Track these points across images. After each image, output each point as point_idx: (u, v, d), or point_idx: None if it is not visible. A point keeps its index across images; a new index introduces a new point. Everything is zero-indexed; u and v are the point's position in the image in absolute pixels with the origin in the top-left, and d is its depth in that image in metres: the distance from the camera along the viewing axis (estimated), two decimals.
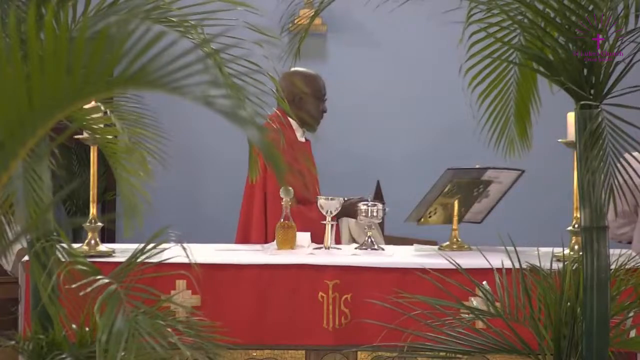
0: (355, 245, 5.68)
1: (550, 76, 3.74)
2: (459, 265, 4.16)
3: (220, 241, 5.75)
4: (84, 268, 3.67)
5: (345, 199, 5.76)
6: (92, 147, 5.22)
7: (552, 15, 3.63)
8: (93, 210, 5.33)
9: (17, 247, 5.00)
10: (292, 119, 5.97)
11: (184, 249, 3.81)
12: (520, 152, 4.49)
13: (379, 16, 7.04)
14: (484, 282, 4.10)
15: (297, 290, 5.22)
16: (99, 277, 3.60)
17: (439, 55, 6.69)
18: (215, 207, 7.42)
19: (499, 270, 4.10)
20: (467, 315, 4.07)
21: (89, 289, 3.53)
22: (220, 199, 7.35)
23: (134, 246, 3.77)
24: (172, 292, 4.93)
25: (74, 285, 3.56)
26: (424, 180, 5.80)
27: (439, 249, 5.56)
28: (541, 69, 3.77)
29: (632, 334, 4.02)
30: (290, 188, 5.43)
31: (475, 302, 4.24)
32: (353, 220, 5.93)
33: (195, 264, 3.91)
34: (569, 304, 3.76)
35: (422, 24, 7.34)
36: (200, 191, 7.77)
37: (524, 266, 3.96)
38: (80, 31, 2.43)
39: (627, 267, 3.96)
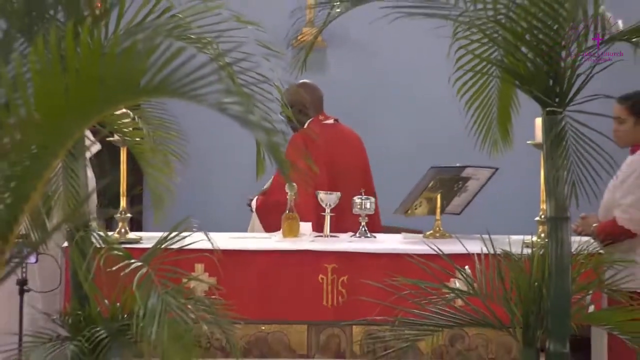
0: (351, 233, 5.69)
1: (521, 86, 3.74)
2: (441, 251, 4.16)
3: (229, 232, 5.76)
4: (119, 253, 3.69)
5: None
6: (121, 148, 5.23)
7: (522, 33, 3.64)
8: (123, 203, 5.35)
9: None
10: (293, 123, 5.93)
11: (207, 235, 3.81)
12: (502, 151, 4.46)
13: (372, 34, 7.06)
14: (466, 267, 4.10)
15: (300, 273, 5.23)
16: (132, 260, 3.62)
17: (427, 67, 6.69)
18: (225, 201, 7.41)
19: (477, 255, 4.10)
20: (448, 295, 4.06)
21: (127, 271, 3.55)
22: (230, 196, 7.33)
23: (158, 234, 3.79)
24: (192, 274, 4.90)
25: (114, 268, 3.58)
26: (412, 178, 5.81)
27: (424, 237, 5.57)
28: (515, 80, 3.77)
29: (591, 309, 4.03)
30: (294, 184, 5.43)
31: (458, 283, 4.23)
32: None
33: (217, 249, 3.92)
34: (536, 284, 3.76)
35: (412, 39, 7.33)
36: (212, 188, 7.76)
37: (498, 252, 3.96)
38: (111, 47, 2.43)
39: (586, 252, 3.97)
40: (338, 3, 3.69)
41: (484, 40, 3.76)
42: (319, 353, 5.24)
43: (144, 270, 3.55)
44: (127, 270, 3.57)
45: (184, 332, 3.41)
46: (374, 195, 5.85)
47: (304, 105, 6.10)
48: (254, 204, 6.07)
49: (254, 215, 6.09)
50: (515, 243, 4.13)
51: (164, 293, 3.46)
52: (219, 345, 5.11)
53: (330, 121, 6.22)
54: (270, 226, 5.75)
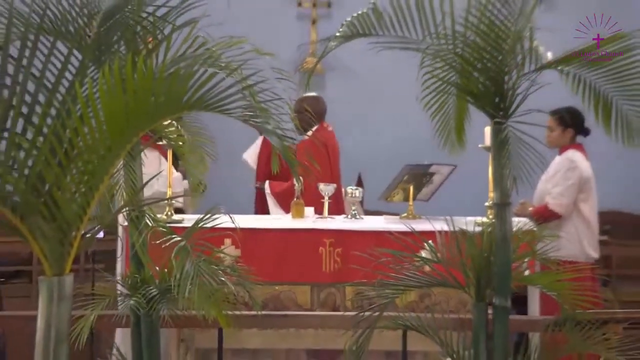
0: (344, 215, 5.71)
1: (474, 103, 3.74)
2: (413, 229, 4.16)
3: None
4: (164, 230, 3.70)
5: None
6: (168, 150, 5.25)
7: (475, 62, 3.64)
8: (169, 192, 5.37)
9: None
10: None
11: (231, 218, 3.82)
12: (459, 152, 4.47)
13: (360, 62, 7.08)
14: (430, 241, 4.09)
15: (305, 245, 5.24)
16: (173, 236, 3.64)
17: (401, 87, 6.67)
18: (246, 192, 7.41)
19: (440, 232, 4.10)
20: (418, 262, 4.05)
21: (167, 244, 3.56)
22: (249, 188, 7.33)
23: (196, 217, 3.79)
24: (222, 246, 4.93)
25: (160, 242, 3.59)
26: (391, 172, 5.82)
27: (400, 218, 5.59)
28: (469, 98, 3.78)
29: (527, 273, 4.04)
30: (301, 177, 5.44)
31: (425, 253, 4.23)
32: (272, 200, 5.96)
33: (238, 228, 3.92)
34: (485, 254, 3.75)
35: (390, 66, 7.32)
36: (236, 182, 7.76)
37: (456, 230, 3.95)
38: (160, 73, 2.44)
39: (523, 229, 3.98)
40: (333, 39, 3.70)
41: (445, 67, 3.76)
42: (320, 307, 5.26)
43: (182, 243, 3.57)
44: (169, 243, 3.58)
45: (212, 291, 3.42)
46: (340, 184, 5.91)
47: (310, 114, 6.12)
48: (267, 187, 6.07)
49: (270, 199, 6.10)
50: (470, 223, 4.13)
51: (198, 261, 3.47)
52: (242, 301, 5.13)
53: (331, 128, 6.25)
54: (290, 207, 5.73)
